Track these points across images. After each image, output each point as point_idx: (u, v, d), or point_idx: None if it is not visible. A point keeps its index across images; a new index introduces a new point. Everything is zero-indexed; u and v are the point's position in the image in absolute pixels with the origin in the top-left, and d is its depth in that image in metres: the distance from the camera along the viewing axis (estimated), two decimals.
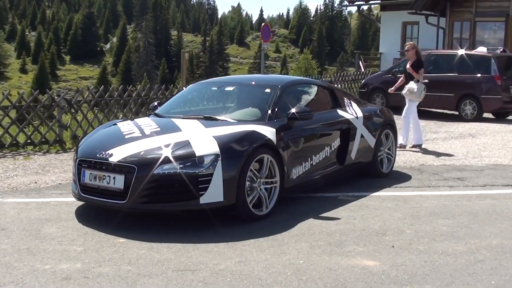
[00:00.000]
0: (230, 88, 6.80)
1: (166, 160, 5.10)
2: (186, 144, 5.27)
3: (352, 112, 7.14)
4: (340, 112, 6.99)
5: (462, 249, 4.77)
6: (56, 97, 10.27)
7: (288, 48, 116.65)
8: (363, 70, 21.60)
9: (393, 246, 4.81)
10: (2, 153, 9.51)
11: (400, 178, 7.57)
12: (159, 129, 5.78)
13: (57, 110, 10.30)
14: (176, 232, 5.16)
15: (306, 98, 6.89)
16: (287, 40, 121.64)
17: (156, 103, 7.14)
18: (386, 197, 6.52)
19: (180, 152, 5.17)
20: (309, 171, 6.24)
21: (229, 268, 4.28)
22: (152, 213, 5.41)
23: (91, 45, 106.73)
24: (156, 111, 6.71)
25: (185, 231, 5.17)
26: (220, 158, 5.13)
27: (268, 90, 6.38)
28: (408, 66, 9.96)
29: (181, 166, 5.08)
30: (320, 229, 5.29)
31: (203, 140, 5.34)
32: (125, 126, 6.02)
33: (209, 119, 6.04)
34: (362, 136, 7.10)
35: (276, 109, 6.11)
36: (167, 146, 5.28)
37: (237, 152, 5.27)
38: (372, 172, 7.48)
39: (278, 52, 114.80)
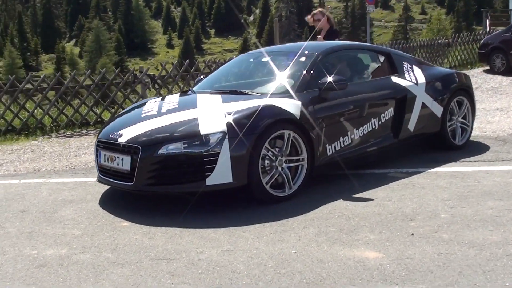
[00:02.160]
0: (265, 59, 6.32)
1: (171, 140, 4.82)
2: (194, 122, 4.94)
3: (411, 78, 6.34)
4: (394, 79, 6.24)
5: (494, 239, 3.99)
6: (138, 74, 10.37)
7: (434, 9, 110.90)
8: (488, 29, 19.63)
9: (412, 234, 4.16)
10: (86, 131, 9.83)
11: (475, 150, 6.66)
12: (176, 106, 5.50)
13: (140, 86, 10.43)
14: (186, 215, 4.85)
15: (350, 66, 6.19)
16: (433, 1, 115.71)
17: (202, 77, 6.88)
18: (442, 174, 5.74)
19: (185, 131, 4.85)
20: (349, 147, 5.64)
21: (210, 258, 3.92)
22: (158, 195, 5.17)
23: (235, 18, 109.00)
24: (195, 87, 6.44)
25: (194, 215, 4.87)
26: (227, 136, 4.75)
27: (303, 59, 5.82)
28: (320, 36, 8.19)
29: (186, 145, 4.76)
30: (342, 212, 4.74)
31: (213, 117, 4.97)
32: (149, 104, 5.82)
33: (234, 93, 5.66)
34: (424, 104, 6.30)
35: (309, 79, 5.56)
36: (174, 124, 4.99)
37: (247, 128, 4.83)
38: (442, 144, 6.65)
39: (424, 14, 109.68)
